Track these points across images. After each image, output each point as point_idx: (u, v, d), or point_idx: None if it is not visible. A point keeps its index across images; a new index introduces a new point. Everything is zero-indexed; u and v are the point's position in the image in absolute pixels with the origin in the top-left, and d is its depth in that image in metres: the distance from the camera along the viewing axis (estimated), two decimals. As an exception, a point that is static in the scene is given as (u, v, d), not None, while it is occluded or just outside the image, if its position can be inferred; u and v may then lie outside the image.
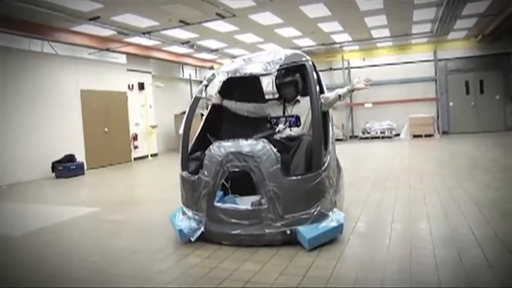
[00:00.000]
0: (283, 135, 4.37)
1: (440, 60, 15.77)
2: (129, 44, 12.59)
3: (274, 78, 4.61)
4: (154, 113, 14.83)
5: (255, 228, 3.70)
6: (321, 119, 3.92)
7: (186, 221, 4.06)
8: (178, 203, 4.44)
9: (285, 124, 4.37)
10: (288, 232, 3.65)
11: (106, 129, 12.34)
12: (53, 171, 10.15)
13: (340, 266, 3.22)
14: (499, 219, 4.22)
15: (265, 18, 10.86)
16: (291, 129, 4.38)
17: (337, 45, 15.42)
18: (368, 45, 16.03)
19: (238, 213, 3.79)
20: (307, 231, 3.59)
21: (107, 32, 10.96)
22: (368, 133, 16.18)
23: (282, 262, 3.37)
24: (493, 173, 6.78)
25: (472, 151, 10.26)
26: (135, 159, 13.52)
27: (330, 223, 3.71)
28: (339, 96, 4.26)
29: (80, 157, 10.98)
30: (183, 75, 17.59)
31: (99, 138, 12.04)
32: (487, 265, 3.03)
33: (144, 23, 10.44)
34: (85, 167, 10.82)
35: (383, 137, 15.90)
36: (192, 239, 3.93)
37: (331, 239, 3.72)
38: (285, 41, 13.99)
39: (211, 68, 17.93)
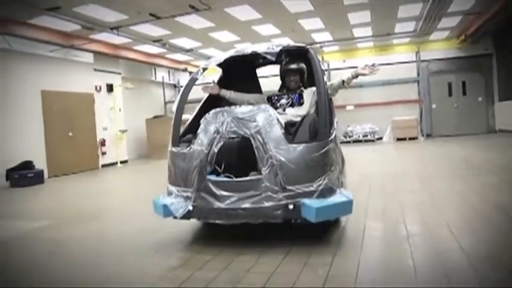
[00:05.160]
0: (284, 120, 3.72)
1: (422, 61, 15.33)
2: (97, 41, 11.63)
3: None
4: (124, 117, 13.84)
5: (252, 200, 3.17)
6: (327, 98, 3.53)
7: (172, 198, 3.57)
8: (150, 217, 4.00)
9: (287, 100, 4.05)
10: (291, 207, 3.13)
11: (70, 134, 11.31)
12: (7, 179, 9.04)
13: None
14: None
15: (243, 12, 10.12)
16: (293, 107, 4.01)
17: (317, 45, 14.76)
18: (349, 45, 15.49)
19: (233, 185, 3.27)
20: (314, 202, 3.12)
21: (70, 27, 9.98)
22: (350, 137, 15.54)
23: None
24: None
25: (478, 155, 9.49)
26: (103, 166, 12.51)
27: (338, 198, 3.28)
28: (343, 82, 3.90)
29: (40, 164, 9.92)
30: (156, 78, 16.67)
31: (62, 144, 11.00)
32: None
33: (111, 16, 9.54)
34: (45, 175, 9.78)
35: (365, 141, 15.28)
36: (178, 216, 3.40)
37: (339, 216, 3.64)
38: (263, 40, 13.23)
39: (185, 70, 17.08)
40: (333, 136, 3.45)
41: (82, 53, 11.75)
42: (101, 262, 3.46)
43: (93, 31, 10.51)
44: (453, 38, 14.87)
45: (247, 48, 4.02)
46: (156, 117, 15.36)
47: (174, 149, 3.71)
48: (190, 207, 3.35)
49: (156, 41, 12.40)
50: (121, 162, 13.14)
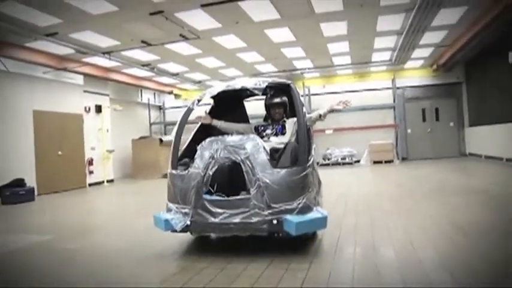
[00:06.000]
0: (269, 147, 4.28)
1: (398, 88, 16.22)
2: (87, 64, 12.13)
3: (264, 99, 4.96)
4: (111, 138, 14.24)
5: (242, 216, 3.73)
6: (306, 129, 4.13)
7: (171, 214, 4.06)
8: (143, 232, 4.41)
9: (272, 130, 4.74)
10: (275, 222, 3.68)
11: (60, 153, 11.67)
12: (-2, 196, 9.38)
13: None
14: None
15: (229, 41, 10.76)
16: (277, 136, 4.68)
17: (298, 72, 15.51)
18: (328, 72, 16.25)
19: (226, 203, 3.83)
20: (294, 218, 3.67)
21: (64, 50, 10.48)
22: (329, 159, 16.20)
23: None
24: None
25: (449, 177, 10.30)
26: (90, 184, 12.83)
27: (315, 214, 3.84)
28: (320, 115, 4.49)
29: (31, 181, 10.25)
30: (142, 100, 17.17)
31: (52, 162, 11.34)
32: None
33: (105, 42, 10.07)
34: (35, 192, 10.10)
35: (343, 163, 15.95)
36: (178, 229, 3.92)
37: (316, 230, 4.16)
38: (247, 66, 13.94)
39: (171, 92, 17.63)
40: (311, 162, 4.02)
41: (73, 75, 12.19)
42: (105, 270, 3.90)
43: (86, 55, 11.00)
44: (427, 67, 15.84)
45: (237, 83, 4.65)
46: (141, 138, 15.79)
47: (173, 171, 4.24)
48: (189, 222, 3.88)
49: (145, 65, 12.95)
50: (107, 181, 13.47)
